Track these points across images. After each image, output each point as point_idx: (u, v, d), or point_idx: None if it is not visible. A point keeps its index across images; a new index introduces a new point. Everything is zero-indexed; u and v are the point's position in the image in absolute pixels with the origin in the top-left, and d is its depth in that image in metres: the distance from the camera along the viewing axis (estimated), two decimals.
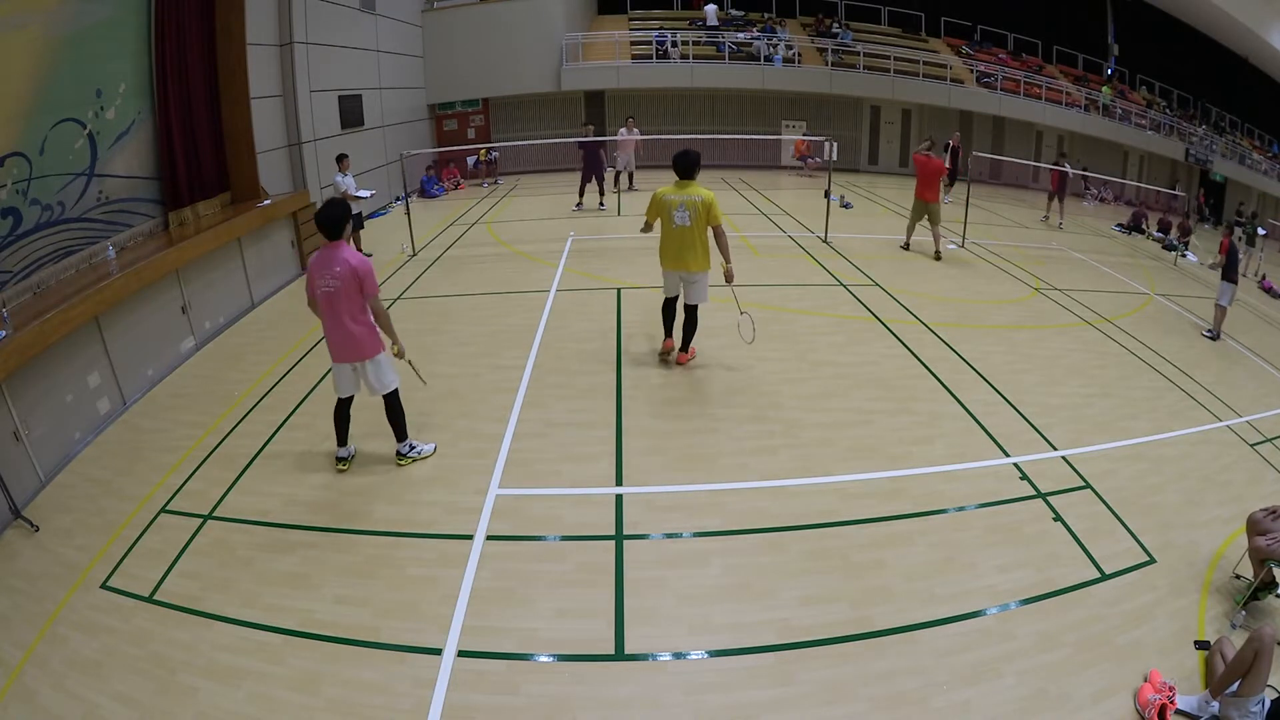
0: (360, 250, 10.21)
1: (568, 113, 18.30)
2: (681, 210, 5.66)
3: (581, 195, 13.05)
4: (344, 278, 4.46)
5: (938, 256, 10.20)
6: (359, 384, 4.81)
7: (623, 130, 13.87)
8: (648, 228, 6.03)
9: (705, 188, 5.77)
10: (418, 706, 3.16)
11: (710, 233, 5.75)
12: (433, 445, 5.14)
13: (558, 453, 5.09)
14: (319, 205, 4.80)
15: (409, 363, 5.13)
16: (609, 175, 13.98)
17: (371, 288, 4.53)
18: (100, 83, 6.71)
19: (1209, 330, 8.44)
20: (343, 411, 4.91)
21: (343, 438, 4.98)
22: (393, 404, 4.90)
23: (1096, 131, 17.93)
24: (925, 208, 10.26)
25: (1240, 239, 12.99)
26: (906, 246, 10.60)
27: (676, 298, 6.18)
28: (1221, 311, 8.36)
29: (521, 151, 17.57)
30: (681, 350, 6.32)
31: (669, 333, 6.34)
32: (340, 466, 4.98)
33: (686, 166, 5.70)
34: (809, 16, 20.44)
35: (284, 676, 3.34)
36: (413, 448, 5.04)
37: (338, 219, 4.55)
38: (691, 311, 6.13)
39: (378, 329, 4.70)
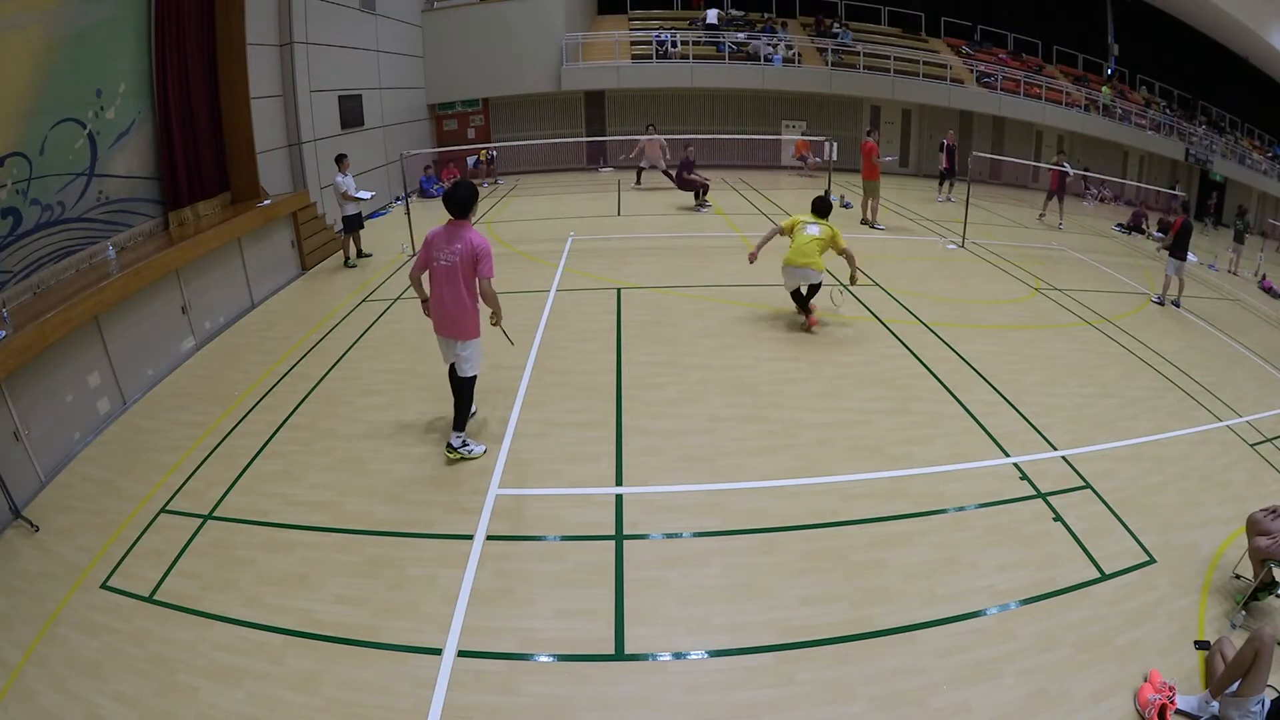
0: (360, 250, 10.24)
1: (568, 113, 18.31)
2: (814, 226, 7.16)
3: (698, 198, 13.22)
4: (463, 254, 4.62)
5: (864, 221, 12.14)
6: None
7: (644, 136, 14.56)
8: (783, 233, 7.39)
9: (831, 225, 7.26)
10: (417, 707, 3.16)
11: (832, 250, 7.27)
12: (483, 448, 5.12)
13: (558, 453, 5.10)
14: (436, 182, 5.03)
15: (502, 329, 5.11)
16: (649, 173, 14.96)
17: (487, 269, 4.63)
18: (100, 83, 6.72)
19: (1157, 297, 9.30)
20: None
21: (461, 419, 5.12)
22: (466, 390, 5.01)
23: (1096, 131, 17.92)
24: (865, 184, 12.17)
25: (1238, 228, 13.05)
26: (863, 220, 12.26)
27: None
28: (1169, 279, 9.19)
29: (521, 151, 17.56)
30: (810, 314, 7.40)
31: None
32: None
33: (825, 208, 7.38)
34: (809, 16, 20.43)
35: (284, 676, 3.34)
36: (465, 444, 5.04)
37: (466, 199, 4.72)
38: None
39: (478, 315, 4.84)
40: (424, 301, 5.07)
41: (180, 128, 7.81)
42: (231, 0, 8.62)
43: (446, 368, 5.15)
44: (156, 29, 7.39)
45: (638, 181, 15.35)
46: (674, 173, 13.45)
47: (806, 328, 7.32)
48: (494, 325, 4.94)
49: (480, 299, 4.76)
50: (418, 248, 10.32)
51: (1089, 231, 13.91)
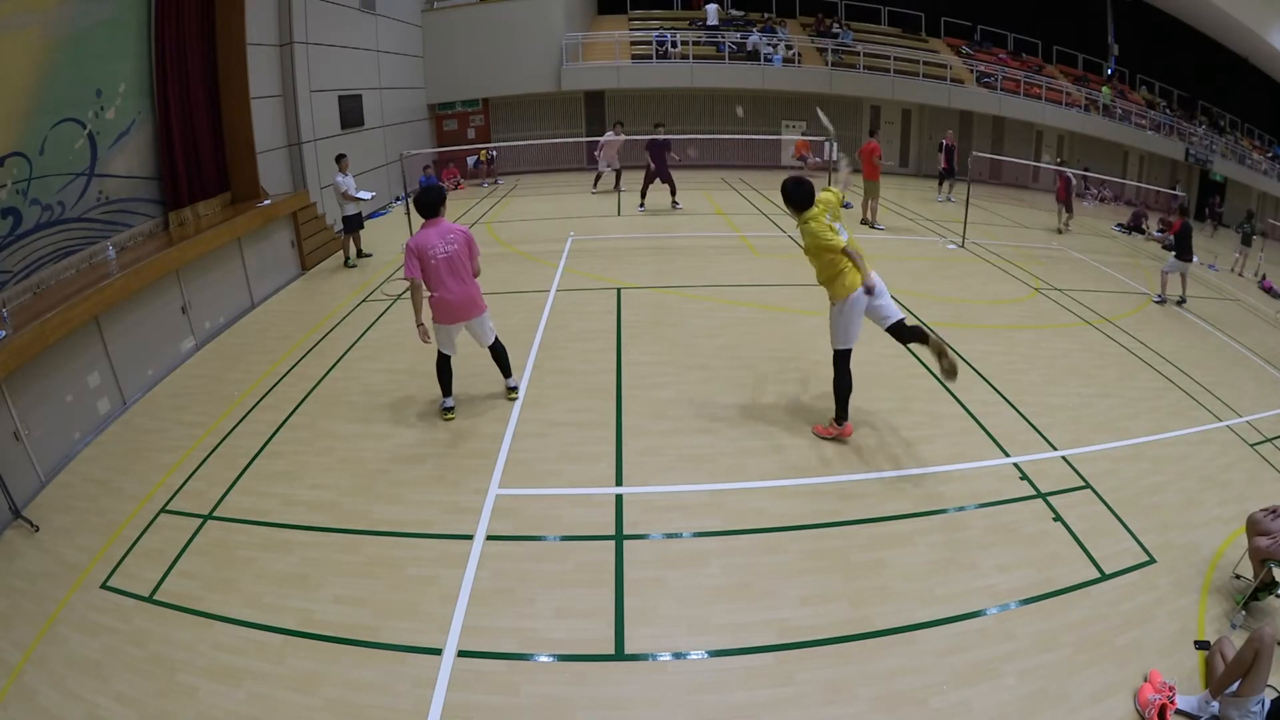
0: (360, 250, 10.24)
1: (568, 113, 18.31)
2: (841, 228, 4.88)
3: (644, 195, 12.87)
4: (459, 241, 5.20)
5: (864, 221, 12.13)
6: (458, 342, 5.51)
7: (609, 133, 14.16)
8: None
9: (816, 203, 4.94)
10: (417, 706, 3.16)
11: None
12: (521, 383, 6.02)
13: (558, 453, 5.10)
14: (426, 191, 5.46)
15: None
16: (609, 175, 14.57)
17: (476, 247, 5.34)
18: (100, 83, 6.72)
19: (1158, 296, 9.30)
20: (447, 366, 5.52)
21: (447, 389, 5.61)
22: (499, 349, 5.68)
23: (1096, 131, 17.91)
24: (865, 185, 12.23)
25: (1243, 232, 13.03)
26: (863, 220, 12.25)
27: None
28: (1166, 278, 9.29)
29: (521, 151, 17.56)
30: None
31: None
32: (448, 416, 5.58)
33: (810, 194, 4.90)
34: (809, 16, 20.42)
35: (284, 676, 3.35)
36: (516, 384, 5.93)
37: (436, 200, 5.32)
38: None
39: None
40: (421, 326, 5.16)
41: (180, 128, 7.80)
42: (231, 0, 8.63)
43: (442, 357, 5.49)
44: (156, 29, 7.39)
45: (595, 185, 14.73)
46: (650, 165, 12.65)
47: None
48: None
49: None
50: None
51: (1089, 231, 13.90)
